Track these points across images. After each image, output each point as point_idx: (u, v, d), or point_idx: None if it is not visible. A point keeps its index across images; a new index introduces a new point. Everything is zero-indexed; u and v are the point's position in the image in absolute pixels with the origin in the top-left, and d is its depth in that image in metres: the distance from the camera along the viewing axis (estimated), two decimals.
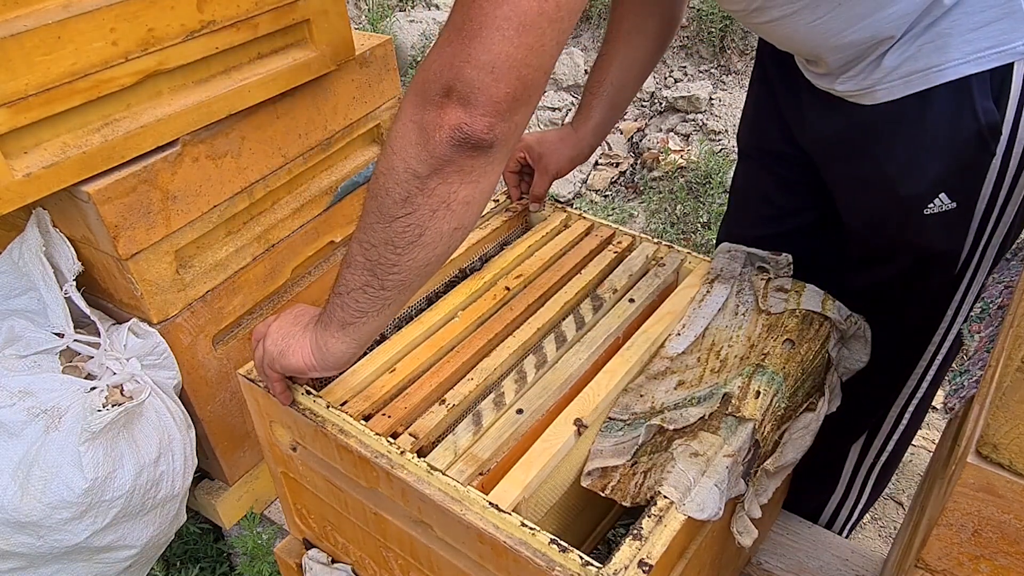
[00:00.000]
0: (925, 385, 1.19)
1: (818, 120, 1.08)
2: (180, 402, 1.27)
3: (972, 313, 0.88)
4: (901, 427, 1.25)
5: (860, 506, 1.37)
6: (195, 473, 1.30)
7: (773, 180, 1.27)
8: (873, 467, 1.31)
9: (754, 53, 1.28)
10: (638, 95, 3.08)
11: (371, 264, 0.78)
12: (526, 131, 0.89)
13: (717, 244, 1.39)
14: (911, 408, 1.22)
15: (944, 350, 1.15)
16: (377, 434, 0.90)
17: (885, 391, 1.22)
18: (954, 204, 0.98)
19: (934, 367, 1.17)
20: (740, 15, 1.02)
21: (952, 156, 0.95)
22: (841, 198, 1.13)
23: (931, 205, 0.99)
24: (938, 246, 1.03)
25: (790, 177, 1.24)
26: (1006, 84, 0.91)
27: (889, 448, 1.28)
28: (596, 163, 2.98)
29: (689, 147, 2.88)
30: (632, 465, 0.91)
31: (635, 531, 0.80)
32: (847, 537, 1.41)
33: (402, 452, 0.88)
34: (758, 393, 0.93)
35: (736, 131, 1.42)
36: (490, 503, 0.82)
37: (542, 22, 0.67)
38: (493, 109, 0.68)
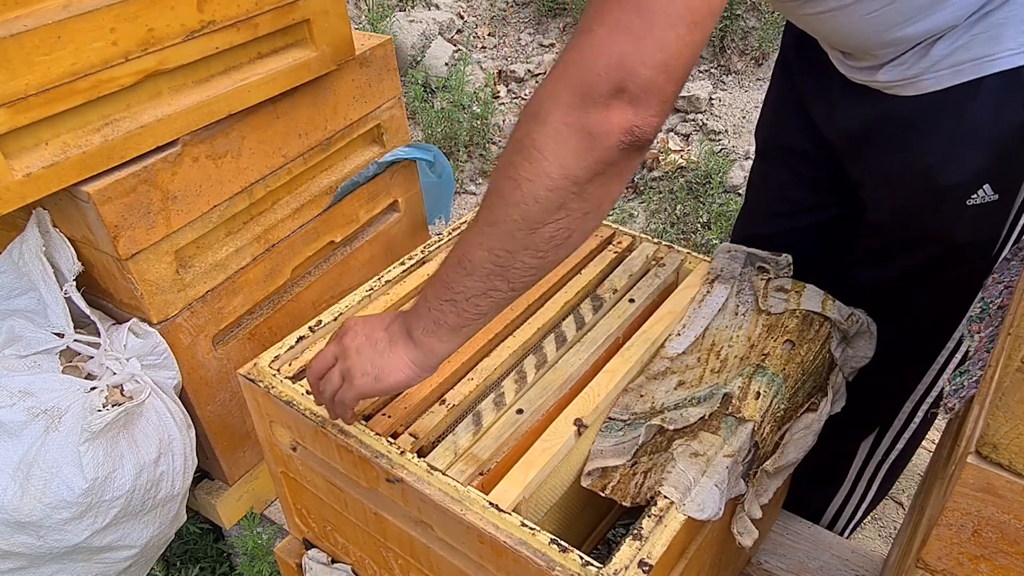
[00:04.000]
0: (941, 383, 1.18)
1: (850, 112, 1.06)
2: (180, 402, 1.27)
3: (972, 313, 0.88)
4: (913, 425, 1.23)
5: (864, 505, 1.37)
6: (195, 473, 1.30)
7: (791, 176, 1.26)
8: (881, 465, 1.30)
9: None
10: None
11: (502, 270, 0.76)
12: None
13: (732, 241, 1.37)
14: (924, 406, 1.21)
15: (963, 348, 1.14)
16: (377, 434, 0.90)
17: (898, 388, 1.21)
18: (996, 196, 0.97)
19: (952, 364, 1.15)
20: (790, 7, 1.00)
21: (996, 147, 0.94)
22: (871, 190, 1.10)
23: (974, 196, 0.97)
24: (973, 238, 1.02)
25: (809, 174, 1.23)
26: None
27: (899, 447, 1.27)
28: None
29: (689, 147, 2.88)
30: (632, 465, 0.91)
31: (635, 531, 0.80)
32: (849, 536, 1.41)
33: (402, 452, 0.88)
34: (758, 394, 0.93)
35: (742, 129, 1.40)
36: (490, 503, 0.82)
37: (709, 19, 0.65)
38: (662, 109, 0.66)
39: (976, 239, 1.02)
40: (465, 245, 0.77)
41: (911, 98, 0.97)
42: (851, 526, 1.40)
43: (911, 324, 1.12)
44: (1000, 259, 1.02)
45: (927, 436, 1.31)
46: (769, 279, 1.11)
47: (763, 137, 1.31)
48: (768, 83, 1.31)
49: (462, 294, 0.78)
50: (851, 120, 1.07)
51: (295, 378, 0.99)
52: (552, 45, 3.39)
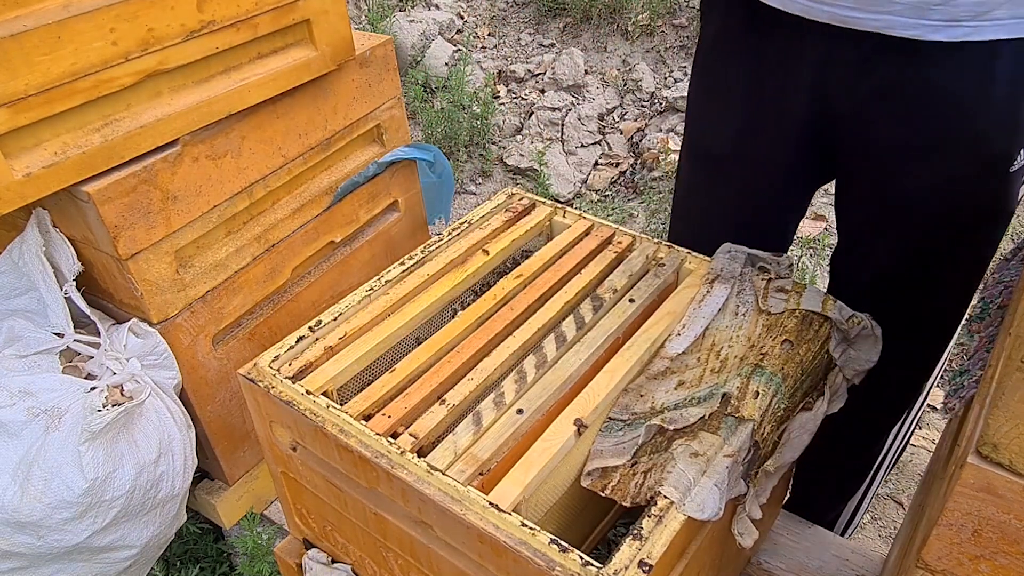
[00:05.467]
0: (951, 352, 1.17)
1: (872, 77, 0.99)
2: (180, 402, 1.27)
3: (972, 313, 0.88)
4: (927, 402, 1.22)
5: (875, 489, 1.36)
6: (195, 473, 1.30)
7: (769, 189, 1.21)
8: (900, 448, 1.30)
9: None
10: (638, 95, 3.08)
11: None
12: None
13: (674, 238, 1.32)
14: (937, 379, 1.20)
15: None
16: (377, 434, 0.90)
17: (923, 371, 1.18)
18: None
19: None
20: None
21: None
22: (891, 166, 1.04)
23: (1014, 163, 0.96)
24: (1009, 205, 1.00)
25: (793, 173, 1.20)
26: None
27: (913, 423, 1.26)
28: (596, 163, 2.98)
29: None
30: (632, 465, 0.91)
31: (635, 531, 0.80)
32: (857, 524, 1.41)
33: (402, 452, 0.88)
34: (757, 393, 0.93)
35: (697, 136, 1.26)
36: (490, 503, 0.82)
37: None
38: None
39: (1010, 207, 1.00)
40: None
41: (962, 56, 0.91)
42: (861, 514, 1.40)
43: (932, 303, 1.09)
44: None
45: (927, 436, 1.31)
46: (770, 279, 1.11)
47: (732, 146, 1.20)
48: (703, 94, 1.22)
49: None
50: (877, 83, 0.99)
51: (295, 378, 0.99)
52: (552, 45, 3.39)
